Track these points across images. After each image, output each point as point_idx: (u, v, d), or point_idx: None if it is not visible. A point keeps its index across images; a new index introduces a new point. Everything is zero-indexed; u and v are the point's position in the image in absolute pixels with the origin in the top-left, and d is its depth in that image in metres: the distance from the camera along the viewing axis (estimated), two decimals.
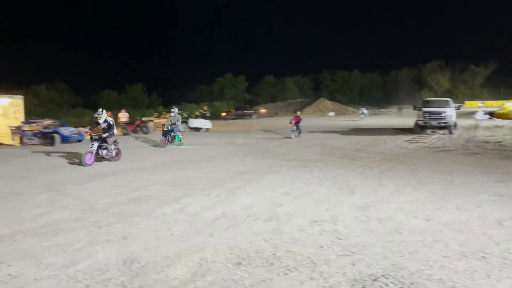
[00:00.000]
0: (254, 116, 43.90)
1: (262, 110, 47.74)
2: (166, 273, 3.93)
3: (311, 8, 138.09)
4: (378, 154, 12.91)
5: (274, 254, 4.33)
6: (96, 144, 11.44)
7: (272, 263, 4.10)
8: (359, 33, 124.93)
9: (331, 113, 48.16)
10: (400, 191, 7.45)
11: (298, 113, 20.79)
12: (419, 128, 19.74)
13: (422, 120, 19.56)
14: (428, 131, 20.08)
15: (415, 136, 18.63)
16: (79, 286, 3.70)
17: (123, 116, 25.80)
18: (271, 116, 45.89)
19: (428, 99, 24.75)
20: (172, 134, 16.41)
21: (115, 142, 12.05)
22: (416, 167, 10.14)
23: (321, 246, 4.56)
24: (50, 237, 5.10)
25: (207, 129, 25.07)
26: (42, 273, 4.00)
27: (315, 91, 68.65)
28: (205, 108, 31.39)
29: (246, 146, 16.27)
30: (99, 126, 11.93)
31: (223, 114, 44.77)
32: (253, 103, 55.99)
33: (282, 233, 5.05)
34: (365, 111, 37.87)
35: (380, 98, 66.46)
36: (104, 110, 11.99)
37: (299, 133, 19.53)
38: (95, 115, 12.02)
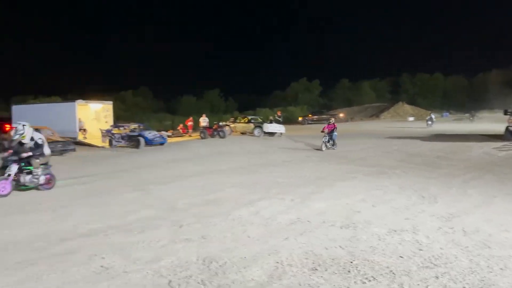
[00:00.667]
0: (331, 120, 43.06)
1: (341, 115, 46.59)
2: (243, 274, 4.04)
3: (384, 8, 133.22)
4: (462, 162, 12.11)
5: (351, 262, 4.26)
6: (14, 168, 8.21)
7: (349, 271, 4.03)
8: (441, 35, 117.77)
9: (411, 118, 45.91)
10: (488, 202, 6.94)
11: (332, 120, 18.01)
12: (511, 135, 18.13)
13: None
14: None
15: (506, 143, 17.13)
16: (163, 281, 3.93)
17: (204, 120, 26.91)
18: (346, 121, 44.91)
19: None
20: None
21: (46, 164, 8.80)
22: (507, 177, 9.37)
23: (400, 256, 4.40)
24: (137, 233, 5.48)
25: (281, 134, 25.22)
26: (130, 266, 4.31)
27: (393, 95, 65.97)
28: (279, 113, 31.60)
29: (320, 151, 16.12)
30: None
31: (300, 119, 44.45)
32: (327, 108, 55.23)
33: (359, 241, 4.94)
34: (433, 116, 34.31)
35: (466, 102, 62.13)
36: (26, 125, 8.58)
37: (333, 144, 16.93)
38: (16, 136, 8.50)
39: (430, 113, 35.76)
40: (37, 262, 4.45)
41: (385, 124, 37.09)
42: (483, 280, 3.76)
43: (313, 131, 30.10)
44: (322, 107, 56.82)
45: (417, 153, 14.64)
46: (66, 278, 4.02)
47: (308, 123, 42.26)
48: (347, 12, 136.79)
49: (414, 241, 4.90)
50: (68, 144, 16.90)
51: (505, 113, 19.65)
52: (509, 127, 18.23)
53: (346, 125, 39.69)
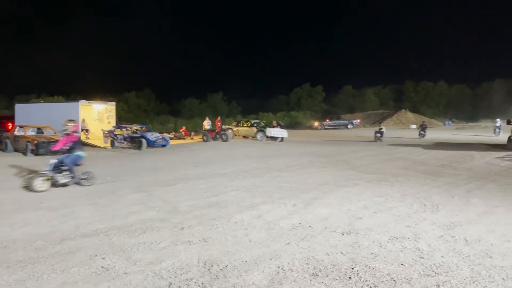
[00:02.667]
0: (349, 126, 42.56)
1: (358, 120, 45.94)
2: (244, 278, 4.03)
3: (388, 17, 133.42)
4: (465, 171, 12.08)
5: (352, 268, 4.25)
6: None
7: (350, 277, 4.03)
8: (445, 43, 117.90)
9: (413, 126, 45.83)
10: (491, 212, 6.92)
11: (70, 126, 9.28)
12: None
13: None
14: None
15: (509, 153, 17.11)
16: (163, 283, 3.93)
17: (207, 123, 27.10)
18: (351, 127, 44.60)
19: None
20: None
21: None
22: (509, 187, 9.35)
23: (402, 264, 4.39)
24: (138, 234, 5.49)
25: (282, 139, 25.23)
26: (131, 267, 4.32)
27: (397, 103, 65.96)
28: (274, 123, 30.90)
29: (324, 156, 16.11)
30: None
31: (317, 123, 43.89)
32: (330, 114, 55.17)
33: (360, 248, 4.94)
34: (498, 123, 30.24)
35: (469, 112, 62.12)
36: None
37: (73, 175, 9.10)
38: None
39: (497, 120, 31.15)
40: (38, 261, 4.47)
41: (390, 131, 37.01)
42: None
43: (320, 137, 30.11)
44: (325, 113, 56.79)
45: (420, 161, 14.62)
46: (66, 278, 4.02)
47: (325, 129, 41.92)
48: (351, 21, 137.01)
49: (416, 249, 4.90)
50: None
51: (508, 122, 19.64)
52: None
53: (359, 131, 39.68)
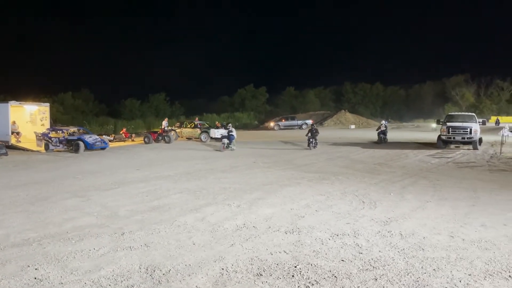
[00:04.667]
0: (304, 126, 43.01)
1: (311, 121, 46.66)
2: (187, 281, 3.97)
3: (324, 21, 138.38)
4: (400, 169, 12.74)
5: (295, 267, 4.32)
6: None
7: (293, 275, 4.09)
8: (382, 46, 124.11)
9: (352, 126, 47.63)
10: (423, 206, 7.34)
11: None
12: (442, 143, 19.40)
13: (446, 135, 19.22)
14: (452, 146, 19.71)
15: (438, 151, 18.30)
16: None
17: (166, 124, 26.51)
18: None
19: (452, 113, 24.33)
20: None
21: None
22: (439, 183, 9.97)
23: (342, 260, 4.53)
24: (75, 242, 5.22)
25: None
26: (67, 277, 4.10)
27: (337, 104, 68.36)
28: (218, 124, 30.56)
29: (268, 157, 16.29)
30: None
31: (272, 124, 43.89)
32: (274, 115, 55.94)
33: (303, 246, 5.04)
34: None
35: (403, 112, 65.72)
36: None
37: None
38: None
39: (383, 122, 24.26)
40: None
41: (330, 131, 38.09)
42: (417, 281, 3.96)
43: (267, 138, 30.36)
44: (268, 114, 57.50)
45: (359, 160, 15.21)
46: None
47: (281, 129, 42.05)
48: (291, 25, 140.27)
49: (355, 245, 5.08)
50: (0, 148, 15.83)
51: (438, 122, 21.01)
52: (441, 136, 19.49)
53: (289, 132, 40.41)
